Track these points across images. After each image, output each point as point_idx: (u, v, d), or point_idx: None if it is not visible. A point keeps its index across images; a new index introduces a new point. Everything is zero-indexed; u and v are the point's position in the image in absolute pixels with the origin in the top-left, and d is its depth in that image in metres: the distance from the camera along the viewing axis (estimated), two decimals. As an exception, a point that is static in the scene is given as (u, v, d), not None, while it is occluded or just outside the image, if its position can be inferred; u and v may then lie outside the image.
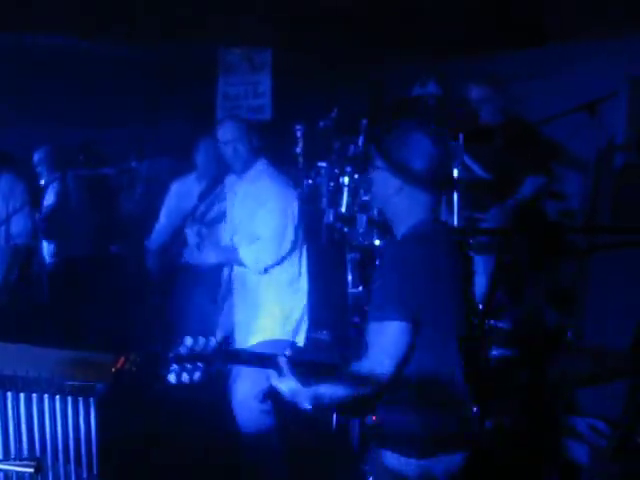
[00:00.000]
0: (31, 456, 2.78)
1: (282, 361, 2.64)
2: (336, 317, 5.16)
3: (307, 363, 2.76)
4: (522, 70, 6.29)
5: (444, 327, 2.70)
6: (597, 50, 5.69)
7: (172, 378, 2.63)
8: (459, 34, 6.59)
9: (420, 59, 7.14)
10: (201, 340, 2.68)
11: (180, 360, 2.64)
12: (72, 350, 2.83)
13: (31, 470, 2.28)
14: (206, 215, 5.58)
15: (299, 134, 5.06)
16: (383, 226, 4.59)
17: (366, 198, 4.74)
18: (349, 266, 5.30)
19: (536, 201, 5.24)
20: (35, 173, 6.37)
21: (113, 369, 3.03)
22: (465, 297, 2.88)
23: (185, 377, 2.63)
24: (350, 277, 5.28)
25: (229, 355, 2.84)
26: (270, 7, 6.99)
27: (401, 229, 2.78)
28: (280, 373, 2.63)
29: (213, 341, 2.70)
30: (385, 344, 2.58)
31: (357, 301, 5.31)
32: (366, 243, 4.87)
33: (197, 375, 2.64)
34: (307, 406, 2.57)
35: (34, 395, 2.78)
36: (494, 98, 5.26)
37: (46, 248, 6.30)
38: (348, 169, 4.68)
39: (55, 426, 2.82)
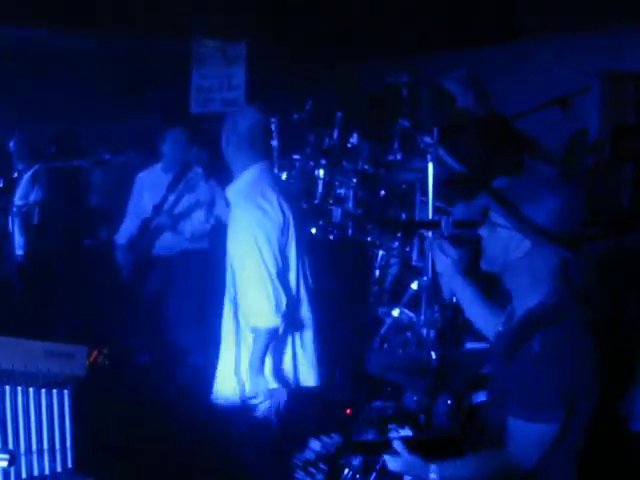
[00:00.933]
0: (3, 449, 2.75)
1: (397, 444, 2.40)
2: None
3: (421, 440, 2.58)
4: (495, 65, 6.32)
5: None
6: (569, 45, 5.72)
7: None
8: (427, 31, 6.63)
9: (394, 54, 7.18)
10: (325, 440, 2.58)
11: (307, 465, 2.54)
12: (45, 341, 2.79)
13: (4, 463, 2.26)
14: (175, 207, 5.54)
15: (273, 127, 5.04)
16: (358, 219, 4.61)
17: (340, 191, 4.76)
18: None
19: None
20: (8, 164, 6.30)
21: (87, 362, 2.99)
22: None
23: None
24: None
25: (351, 449, 2.61)
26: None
27: (529, 299, 2.41)
28: (395, 454, 2.41)
29: (335, 438, 2.61)
30: (533, 445, 2.31)
31: (332, 297, 5.32)
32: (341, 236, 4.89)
33: (320, 477, 2.53)
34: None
35: (7, 387, 2.75)
36: (465, 94, 5.28)
37: (17, 241, 6.24)
38: (323, 162, 4.69)
39: (28, 419, 2.79)
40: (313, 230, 4.99)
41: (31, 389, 2.76)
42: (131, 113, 7.71)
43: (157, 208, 5.43)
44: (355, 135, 4.93)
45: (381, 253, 4.83)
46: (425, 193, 4.57)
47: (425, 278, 4.52)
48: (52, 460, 2.82)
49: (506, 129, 5.21)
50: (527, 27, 6.42)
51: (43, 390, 2.78)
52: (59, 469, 2.85)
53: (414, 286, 4.63)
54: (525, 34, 6.43)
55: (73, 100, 7.34)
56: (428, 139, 4.95)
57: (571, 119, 5.36)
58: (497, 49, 6.45)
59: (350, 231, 4.79)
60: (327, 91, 6.95)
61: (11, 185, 5.95)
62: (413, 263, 4.92)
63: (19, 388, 2.75)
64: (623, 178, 4.71)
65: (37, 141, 6.49)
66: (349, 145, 4.98)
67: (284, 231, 3.51)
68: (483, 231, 2.46)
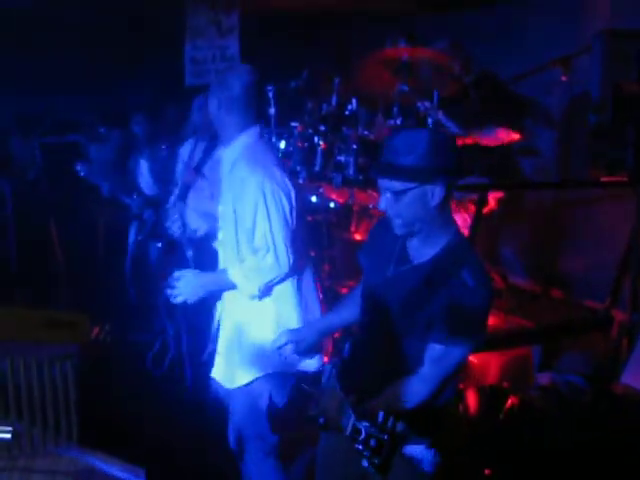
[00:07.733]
0: (7, 423, 2.71)
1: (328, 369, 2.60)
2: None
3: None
4: (491, 27, 6.24)
5: None
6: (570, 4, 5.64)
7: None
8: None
9: (387, 17, 7.07)
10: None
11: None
12: (45, 310, 2.74)
13: (7, 436, 2.21)
14: None
15: (271, 95, 4.96)
16: (358, 184, 4.55)
17: (340, 158, 4.69)
18: (324, 228, 5.27)
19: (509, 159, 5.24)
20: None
21: (89, 331, 2.94)
22: None
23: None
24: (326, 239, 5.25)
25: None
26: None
27: (439, 239, 2.51)
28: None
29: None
30: (449, 370, 2.49)
31: (332, 262, 5.28)
32: (342, 203, 4.83)
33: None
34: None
35: (8, 360, 2.70)
36: (450, 63, 5.23)
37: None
38: (322, 128, 4.62)
39: (32, 391, 2.75)
40: (314, 198, 4.94)
41: (34, 360, 2.71)
42: (128, 84, 7.62)
43: None
44: (354, 101, 4.85)
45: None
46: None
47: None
48: (57, 433, 2.79)
49: (502, 91, 5.17)
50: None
51: (46, 361, 2.73)
52: (63, 442, 2.81)
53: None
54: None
55: (66, 72, 7.26)
56: (427, 103, 4.91)
57: (572, 80, 5.29)
58: (497, 9, 6.35)
59: (350, 198, 4.73)
60: (324, 58, 6.88)
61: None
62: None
63: (21, 360, 2.70)
64: (626, 139, 4.65)
65: (31, 114, 6.41)
66: (347, 112, 4.91)
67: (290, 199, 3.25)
68: (385, 203, 2.45)
